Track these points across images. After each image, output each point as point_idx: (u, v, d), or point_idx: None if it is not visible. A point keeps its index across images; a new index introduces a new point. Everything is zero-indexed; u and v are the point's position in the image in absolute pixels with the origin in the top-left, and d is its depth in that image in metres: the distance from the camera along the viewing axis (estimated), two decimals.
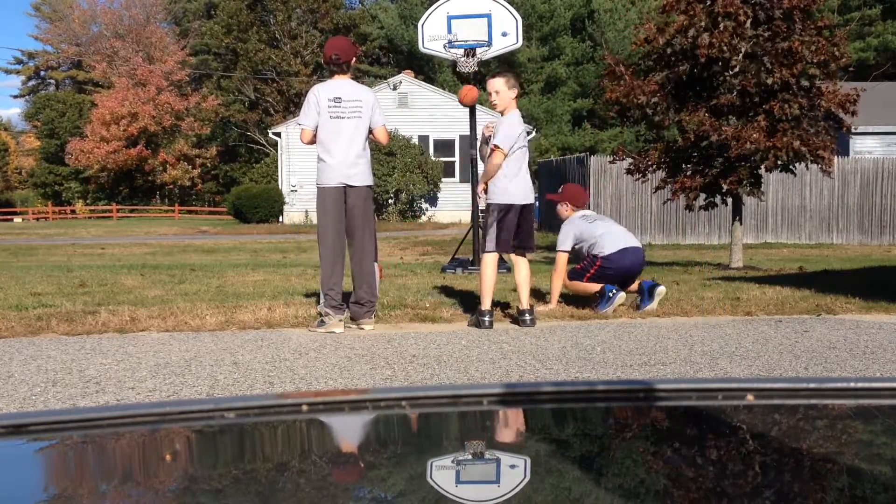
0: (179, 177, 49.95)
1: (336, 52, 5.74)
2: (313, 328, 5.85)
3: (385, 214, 29.18)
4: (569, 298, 7.04)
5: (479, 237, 8.21)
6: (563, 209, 7.24)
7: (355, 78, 6.01)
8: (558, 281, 6.93)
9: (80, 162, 47.61)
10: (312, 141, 5.85)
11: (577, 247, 7.00)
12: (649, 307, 6.67)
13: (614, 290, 6.67)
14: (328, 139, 5.70)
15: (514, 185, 5.98)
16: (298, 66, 46.03)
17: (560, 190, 7.50)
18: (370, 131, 5.86)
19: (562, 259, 6.99)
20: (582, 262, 6.99)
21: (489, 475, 0.96)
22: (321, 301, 5.90)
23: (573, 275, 6.97)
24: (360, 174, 5.79)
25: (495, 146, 5.93)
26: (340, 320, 5.79)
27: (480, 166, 6.59)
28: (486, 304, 6.00)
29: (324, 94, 5.70)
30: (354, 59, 5.96)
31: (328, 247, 5.83)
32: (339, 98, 5.69)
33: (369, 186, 5.90)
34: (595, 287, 6.76)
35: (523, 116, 6.27)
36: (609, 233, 6.95)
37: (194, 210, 48.65)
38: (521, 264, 6.13)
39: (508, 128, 5.96)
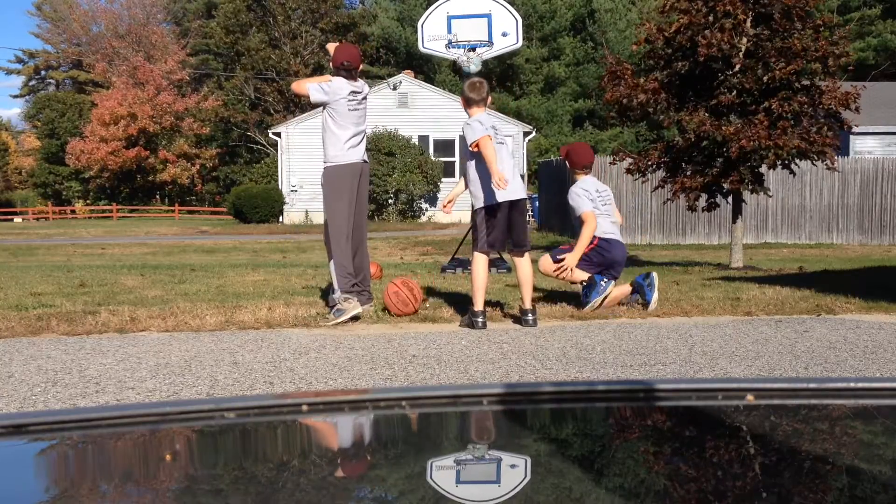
0: (179, 174, 49.93)
1: (348, 59, 6.39)
2: (330, 322, 5.96)
3: (385, 214, 29.15)
4: (570, 298, 7.03)
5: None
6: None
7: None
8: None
9: (81, 163, 47.60)
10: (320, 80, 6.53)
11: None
12: (654, 298, 6.46)
13: (606, 280, 6.41)
14: (347, 124, 6.34)
15: (490, 184, 5.81)
16: (298, 66, 46.02)
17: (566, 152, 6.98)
18: None
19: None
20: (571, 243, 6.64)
21: (489, 475, 0.95)
22: (336, 290, 6.16)
23: (557, 256, 6.61)
24: (364, 152, 6.51)
25: (474, 144, 5.83)
26: (359, 302, 6.17)
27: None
28: (478, 305, 5.89)
29: (347, 88, 6.36)
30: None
31: (345, 228, 6.27)
32: (356, 93, 6.45)
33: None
34: (581, 275, 6.47)
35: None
36: (607, 215, 6.65)
37: (194, 210, 48.62)
38: (522, 263, 6.03)
39: (465, 128, 5.93)
